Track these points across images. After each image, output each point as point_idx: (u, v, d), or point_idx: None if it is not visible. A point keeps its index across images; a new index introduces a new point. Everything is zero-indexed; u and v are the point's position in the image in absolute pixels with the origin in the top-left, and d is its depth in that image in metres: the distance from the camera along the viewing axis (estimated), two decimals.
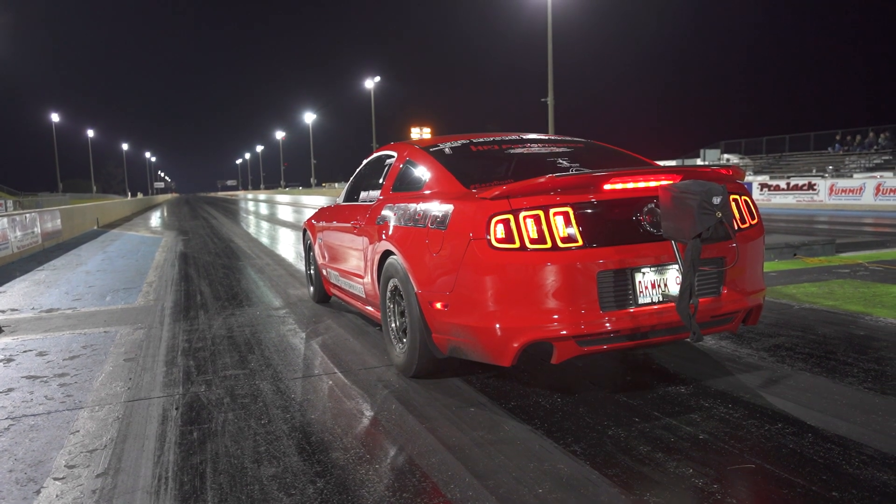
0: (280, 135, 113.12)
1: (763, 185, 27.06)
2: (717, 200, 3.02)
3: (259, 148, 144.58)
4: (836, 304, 5.65)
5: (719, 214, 3.02)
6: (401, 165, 4.51)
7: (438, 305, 3.49)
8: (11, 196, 45.20)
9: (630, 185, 3.18)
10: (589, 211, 3.14)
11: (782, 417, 3.15)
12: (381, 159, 5.11)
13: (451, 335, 3.49)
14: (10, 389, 4.07)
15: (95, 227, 21.78)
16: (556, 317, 3.07)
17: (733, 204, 3.44)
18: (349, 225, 5.06)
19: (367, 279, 4.65)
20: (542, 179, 3.11)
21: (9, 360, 4.81)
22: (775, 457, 2.74)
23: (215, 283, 8.24)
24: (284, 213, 30.02)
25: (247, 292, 7.55)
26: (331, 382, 4.02)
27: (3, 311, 6.69)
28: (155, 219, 28.68)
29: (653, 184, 3.20)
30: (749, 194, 3.65)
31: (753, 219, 3.59)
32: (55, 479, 2.80)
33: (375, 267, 4.39)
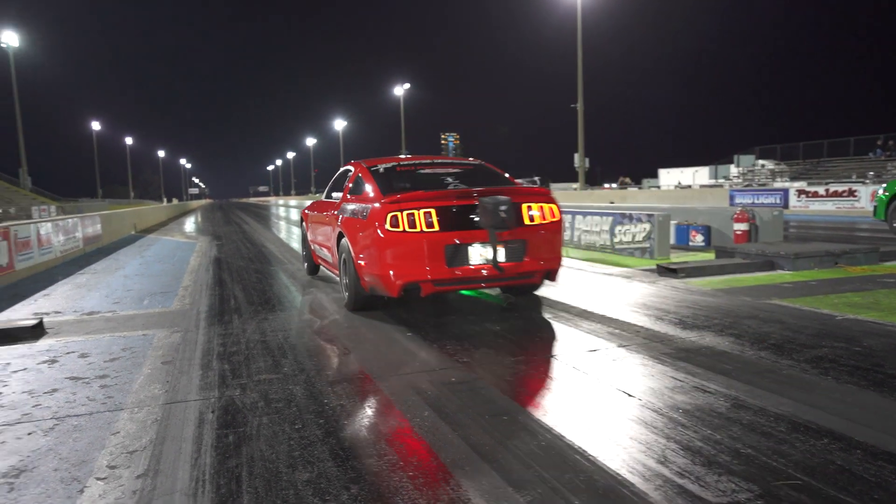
0: (311, 141, 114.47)
1: (800, 192, 26.45)
2: (503, 208, 5.20)
3: (290, 154, 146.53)
4: (881, 316, 5.48)
5: (503, 216, 5.20)
6: (354, 177, 6.80)
7: (362, 262, 5.78)
8: (54, 202, 46.51)
9: (466, 198, 5.44)
10: (443, 211, 5.37)
11: (828, 432, 3.06)
12: (346, 171, 7.42)
13: (369, 280, 5.77)
14: (55, 390, 4.17)
15: (133, 232, 22.29)
16: (420, 269, 5.32)
17: (543, 203, 5.77)
18: (324, 215, 7.47)
19: (332, 251, 7.02)
20: (417, 193, 5.55)
21: (53, 360, 4.93)
22: (822, 473, 2.65)
23: (248, 288, 8.35)
24: None
25: (279, 297, 7.63)
26: (363, 388, 4.03)
27: (47, 314, 6.87)
28: (189, 224, 29.23)
29: (469, 191, 5.52)
30: (555, 202, 5.87)
31: (554, 216, 5.83)
32: (97, 478, 2.86)
33: (335, 243, 6.78)
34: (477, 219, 5.37)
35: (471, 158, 7.45)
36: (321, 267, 8.53)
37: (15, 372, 4.63)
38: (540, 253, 5.74)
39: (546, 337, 5.25)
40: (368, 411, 3.62)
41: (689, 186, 42.80)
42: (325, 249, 7.58)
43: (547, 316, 6.01)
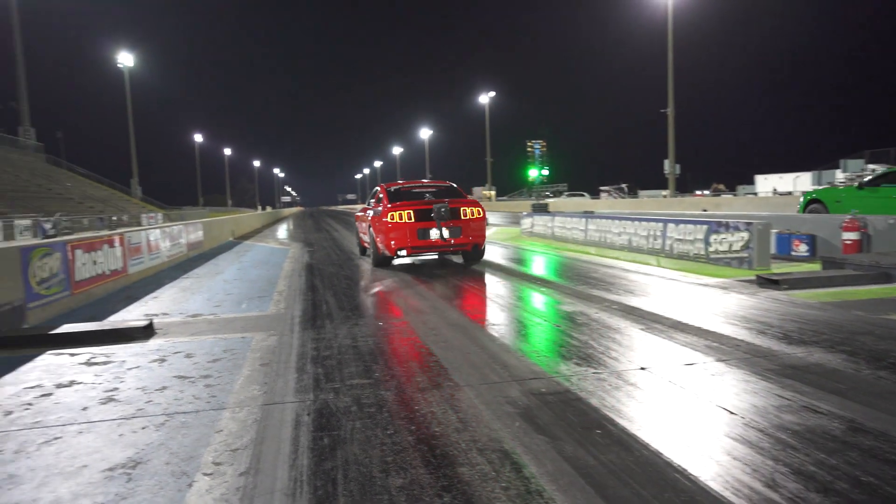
0: (396, 150, 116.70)
1: None
2: (443, 209, 9.82)
3: (377, 163, 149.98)
4: None
5: (443, 211, 9.79)
6: (377, 194, 11.29)
7: (378, 239, 10.43)
8: (161, 209, 49.77)
9: (427, 204, 9.92)
10: (417, 211, 9.85)
11: None
12: (376, 190, 12.00)
13: (381, 247, 10.35)
14: (164, 387, 4.44)
15: (231, 239, 23.45)
16: (404, 241, 9.84)
17: (471, 208, 10.24)
18: (363, 215, 12.18)
19: (367, 235, 11.70)
20: (404, 202, 10.17)
21: (162, 359, 5.25)
22: None
23: (339, 294, 8.58)
24: None
25: (368, 302, 7.80)
26: (453, 396, 4.04)
27: (156, 315, 7.33)
28: (282, 231, 30.45)
29: (431, 195, 10.60)
30: (480, 206, 10.36)
31: (480, 214, 10.25)
32: (204, 474, 3.01)
33: (367, 231, 11.44)
34: (432, 215, 9.94)
35: (447, 181, 12.05)
36: (367, 249, 12.47)
37: (130, 369, 4.96)
38: (470, 233, 10.22)
39: (638, 349, 5.09)
40: (458, 419, 3.62)
41: (790, 193, 40.50)
42: (364, 235, 12.42)
43: (638, 327, 5.83)
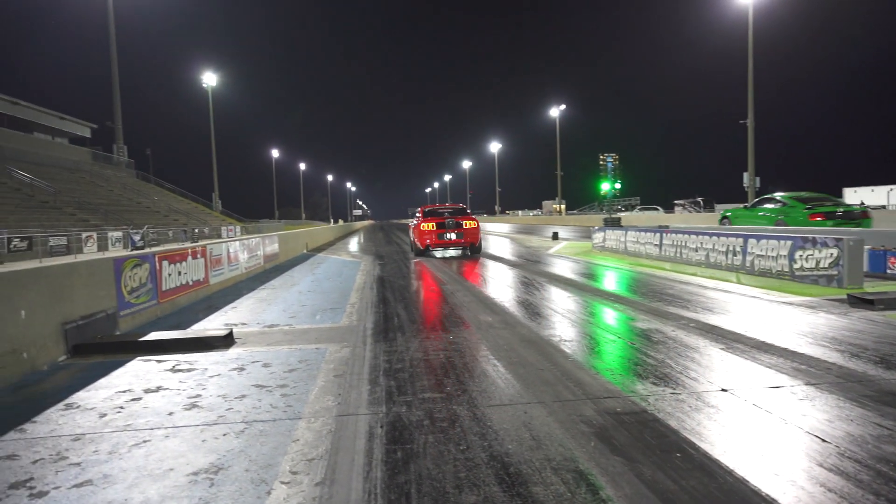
0: (466, 164, 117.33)
1: None
2: (451, 221, 17.37)
3: (447, 177, 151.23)
4: None
5: (451, 223, 17.32)
6: (418, 213, 19.08)
7: (416, 238, 18.06)
8: (239, 222, 51.83)
9: (444, 218, 17.52)
10: (438, 223, 17.40)
11: None
12: (417, 211, 19.75)
13: (417, 244, 17.98)
14: (244, 396, 4.59)
15: (305, 251, 24.12)
16: (431, 240, 17.35)
17: (469, 221, 17.60)
18: (409, 225, 23.95)
19: (410, 237, 19.95)
20: (430, 217, 17.83)
21: (241, 368, 5.43)
22: None
23: (410, 307, 8.67)
24: None
25: (439, 316, 7.84)
26: (525, 413, 3.99)
27: (235, 325, 7.61)
28: (353, 244, 31.08)
29: (448, 213, 18.04)
30: (475, 219, 17.79)
31: (474, 224, 17.63)
32: (282, 482, 3.08)
33: (411, 234, 19.46)
34: (447, 223, 17.01)
35: (460, 204, 19.84)
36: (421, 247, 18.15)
37: (211, 377, 5.16)
38: (467, 236, 17.13)
39: (718, 369, 4.88)
40: (532, 436, 3.57)
41: (883, 207, 38.13)
42: (409, 238, 19.94)
43: (718, 347, 5.61)
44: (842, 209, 15.00)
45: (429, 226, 17.39)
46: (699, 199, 55.47)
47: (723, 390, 4.32)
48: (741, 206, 19.74)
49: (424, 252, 18.09)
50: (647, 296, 8.92)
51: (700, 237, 12.81)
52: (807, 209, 15.08)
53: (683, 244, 13.46)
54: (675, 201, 58.43)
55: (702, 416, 3.83)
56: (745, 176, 36.98)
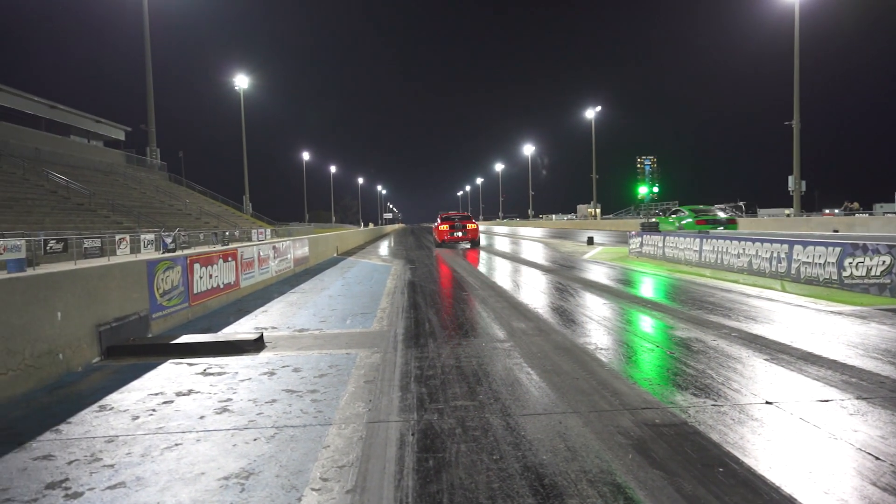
0: (499, 167, 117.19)
1: None
2: (459, 223, 27.88)
3: (479, 180, 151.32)
4: None
5: (457, 225, 27.88)
6: (440, 216, 28.95)
7: (436, 235, 28.56)
8: (269, 225, 52.53)
9: (456, 221, 28.06)
10: (450, 224, 27.84)
11: None
12: (438, 216, 29.85)
13: (436, 238, 28.34)
14: (274, 400, 4.64)
15: (335, 255, 24.34)
16: (445, 236, 27.66)
17: (470, 224, 27.95)
18: (433, 227, 33.03)
19: (433, 234, 30.61)
20: (445, 221, 28.31)
21: (272, 373, 5.50)
22: None
23: (441, 312, 8.68)
24: (501, 244, 30.85)
25: (471, 322, 7.83)
26: (560, 423, 3.96)
27: (265, 329, 7.71)
28: (384, 248, 31.27)
29: (457, 219, 28.42)
30: (474, 222, 28.31)
31: (475, 225, 28.09)
32: (312, 489, 3.11)
33: (434, 231, 29.48)
34: (457, 225, 27.39)
35: (466, 212, 39.19)
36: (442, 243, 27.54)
37: (242, 381, 5.23)
38: (470, 234, 27.32)
39: (763, 381, 4.77)
40: (567, 447, 3.54)
41: None
42: (434, 235, 28.84)
43: (762, 357, 5.48)
44: (714, 217, 20.09)
45: (444, 227, 27.53)
46: (740, 204, 54.46)
47: (767, 403, 4.22)
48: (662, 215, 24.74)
49: (441, 244, 27.72)
50: (687, 303, 8.78)
51: (742, 243, 12.56)
52: (696, 218, 19.89)
53: (724, 250, 13.22)
54: (716, 206, 57.46)
55: (745, 429, 3.74)
56: (791, 179, 36.17)
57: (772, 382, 4.72)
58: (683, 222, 20.39)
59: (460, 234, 27.17)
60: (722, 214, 20.66)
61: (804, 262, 10.48)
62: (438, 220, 28.60)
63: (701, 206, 21.64)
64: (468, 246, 27.58)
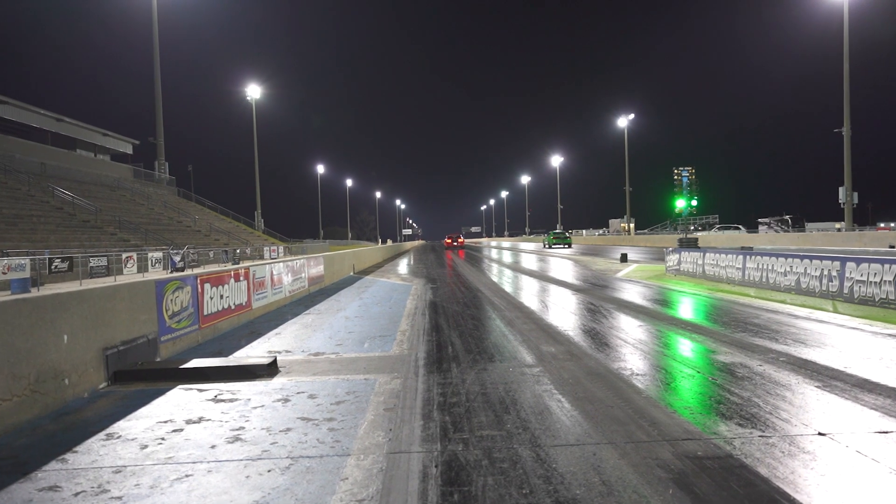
0: (525, 179, 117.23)
1: None
2: (454, 236, 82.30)
3: (503, 193, 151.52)
4: None
5: (454, 237, 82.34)
6: (447, 235, 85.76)
7: (444, 242, 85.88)
8: (282, 242, 53.06)
9: (454, 240, 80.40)
10: (451, 239, 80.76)
11: None
12: (446, 235, 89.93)
13: (444, 244, 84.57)
14: (289, 429, 4.67)
15: (351, 273, 24.49)
16: (449, 243, 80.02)
17: (460, 239, 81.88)
18: (444, 241, 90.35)
19: (444, 243, 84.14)
20: (449, 235, 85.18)
21: (286, 399, 5.54)
22: None
23: (465, 335, 8.67)
24: (528, 261, 30.77)
25: (497, 346, 7.81)
26: (594, 454, 3.93)
27: (279, 352, 7.78)
28: (403, 266, 31.38)
29: (454, 237, 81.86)
30: (462, 238, 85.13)
31: (462, 240, 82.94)
32: None
33: (445, 242, 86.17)
34: (453, 238, 79.04)
35: (460, 231, 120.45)
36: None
37: (255, 408, 5.27)
38: (459, 242, 79.18)
39: (814, 410, 4.70)
40: (602, 481, 3.51)
41: None
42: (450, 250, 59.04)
43: (813, 384, 5.40)
44: (558, 235, 52.85)
45: (448, 240, 76.20)
46: (787, 217, 53.81)
47: (820, 434, 4.15)
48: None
49: (445, 248, 62.47)
50: (730, 325, 8.68)
51: (790, 260, 12.40)
52: (553, 237, 53.42)
53: (770, 268, 13.05)
54: (760, 219, 56.90)
55: (796, 462, 3.68)
56: (842, 191, 35.66)
57: (824, 412, 4.65)
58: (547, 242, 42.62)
59: (455, 243, 72.84)
60: (562, 233, 36.74)
61: (858, 281, 10.31)
62: (446, 237, 73.37)
63: (559, 231, 33.18)
64: (458, 246, 66.86)
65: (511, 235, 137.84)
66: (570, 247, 50.96)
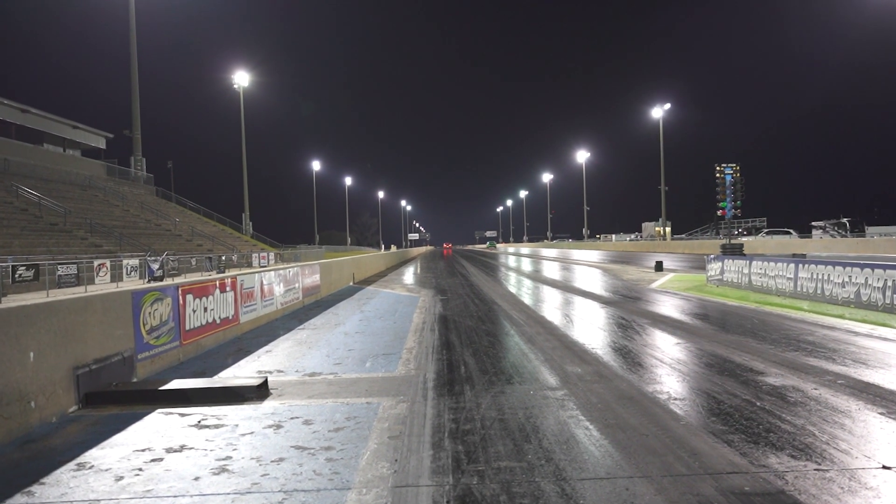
0: (547, 177, 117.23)
1: None
2: (446, 245, 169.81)
3: (523, 193, 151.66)
4: None
5: (446, 247, 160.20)
6: (444, 244, 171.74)
7: (442, 251, 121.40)
8: (273, 248, 53.27)
9: (447, 245, 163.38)
10: (445, 246, 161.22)
11: None
12: (443, 243, 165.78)
13: (443, 249, 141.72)
14: (281, 459, 4.69)
15: (351, 283, 24.56)
16: (445, 252, 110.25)
17: (448, 246, 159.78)
18: (442, 247, 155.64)
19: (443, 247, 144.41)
20: (444, 245, 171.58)
21: (278, 426, 5.56)
22: None
23: (480, 353, 8.68)
24: (550, 270, 30.76)
25: (516, 366, 7.81)
26: (627, 489, 3.92)
27: (270, 372, 7.81)
28: (409, 275, 31.46)
29: (448, 246, 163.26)
30: (451, 246, 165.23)
31: (450, 247, 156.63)
32: None
33: (441, 248, 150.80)
34: (447, 246, 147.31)
35: (450, 241, 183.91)
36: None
37: (243, 435, 5.30)
38: (449, 249, 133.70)
39: (878, 440, 4.67)
40: None
41: None
42: (464, 259, 70.37)
43: (876, 411, 5.37)
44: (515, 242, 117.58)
45: (444, 246, 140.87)
46: (844, 221, 53.48)
47: (885, 468, 4.13)
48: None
49: (442, 253, 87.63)
50: (780, 343, 8.64)
51: (848, 269, 12.34)
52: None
53: (826, 278, 12.99)
54: (813, 223, 56.59)
55: (858, 500, 3.66)
56: None
57: (889, 442, 4.62)
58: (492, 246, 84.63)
59: (448, 249, 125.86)
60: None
61: None
62: (444, 245, 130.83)
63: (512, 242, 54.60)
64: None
65: (531, 241, 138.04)
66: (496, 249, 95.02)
